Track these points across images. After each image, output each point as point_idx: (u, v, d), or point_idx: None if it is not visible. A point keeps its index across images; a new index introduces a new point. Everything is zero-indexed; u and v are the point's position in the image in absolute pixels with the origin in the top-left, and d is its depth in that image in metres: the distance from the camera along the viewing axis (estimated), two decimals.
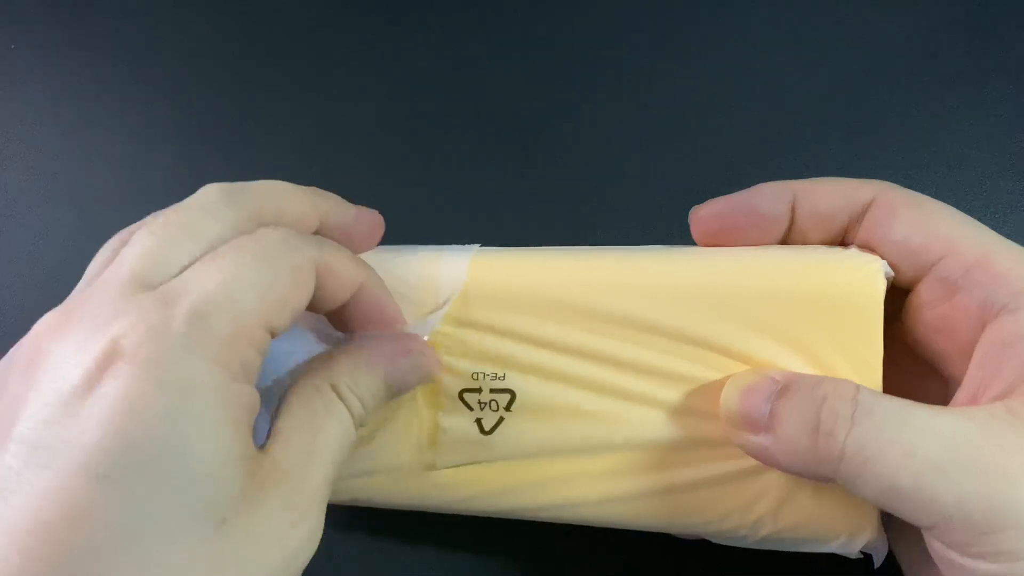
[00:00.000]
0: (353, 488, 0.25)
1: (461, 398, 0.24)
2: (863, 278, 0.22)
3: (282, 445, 0.20)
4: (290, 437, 0.20)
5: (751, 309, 0.22)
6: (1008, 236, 0.22)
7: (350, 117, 0.35)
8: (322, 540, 0.20)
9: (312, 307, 0.21)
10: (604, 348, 0.23)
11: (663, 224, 0.32)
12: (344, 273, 0.22)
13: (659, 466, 0.23)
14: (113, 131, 0.36)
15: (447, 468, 0.24)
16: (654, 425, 0.23)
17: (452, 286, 0.24)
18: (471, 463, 0.24)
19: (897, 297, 0.23)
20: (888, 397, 0.20)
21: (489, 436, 0.24)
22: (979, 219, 0.22)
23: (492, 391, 0.24)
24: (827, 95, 0.33)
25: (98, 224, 0.34)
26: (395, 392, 0.23)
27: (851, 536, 0.23)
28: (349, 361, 0.22)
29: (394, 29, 0.36)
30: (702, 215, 0.24)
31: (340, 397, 0.21)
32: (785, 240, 0.24)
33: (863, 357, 0.22)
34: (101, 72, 0.37)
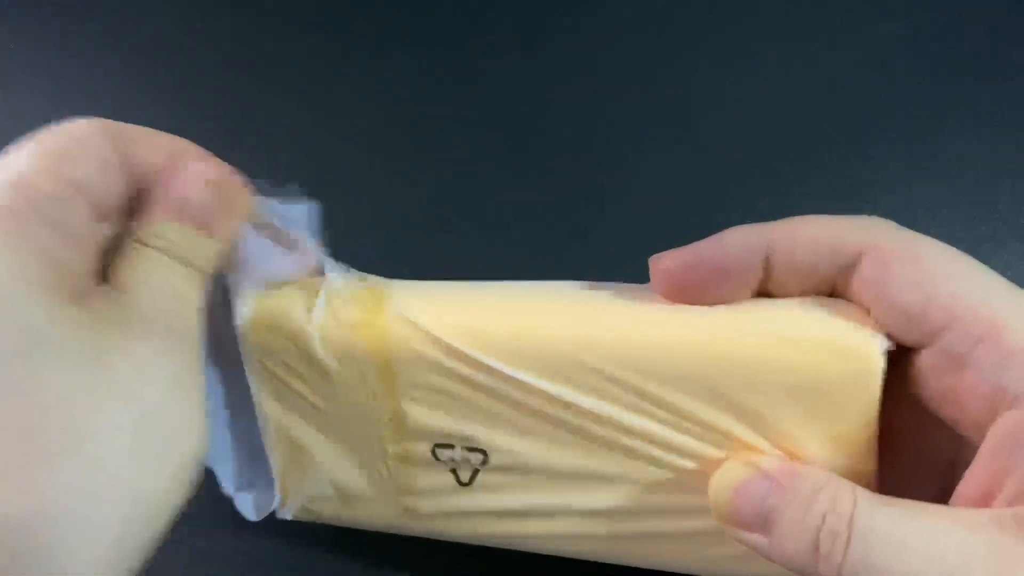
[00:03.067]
0: (326, 511, 0.25)
1: (433, 453, 0.24)
2: (860, 364, 0.20)
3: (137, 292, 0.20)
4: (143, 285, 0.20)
5: (735, 381, 0.21)
6: (1009, 238, 0.21)
7: (351, 117, 0.35)
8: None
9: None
10: (577, 401, 0.22)
11: (662, 225, 0.32)
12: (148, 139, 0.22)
13: (639, 517, 0.23)
14: None
15: (428, 513, 0.24)
16: (631, 484, 0.22)
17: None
18: (450, 511, 0.24)
19: (900, 355, 0.21)
20: (886, 507, 0.19)
21: (468, 487, 0.24)
22: (980, 220, 0.22)
23: (465, 449, 0.23)
24: (827, 95, 0.33)
25: None
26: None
27: None
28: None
29: (395, 29, 0.36)
30: (665, 267, 0.22)
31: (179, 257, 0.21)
32: (762, 292, 0.22)
33: (856, 441, 0.20)
34: (101, 72, 0.37)
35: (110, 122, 0.22)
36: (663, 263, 0.22)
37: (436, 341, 0.22)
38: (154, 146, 0.22)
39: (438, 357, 0.22)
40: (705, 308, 0.21)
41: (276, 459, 0.25)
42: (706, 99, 0.34)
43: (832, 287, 0.21)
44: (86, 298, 0.19)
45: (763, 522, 0.20)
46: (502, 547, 0.25)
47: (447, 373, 0.22)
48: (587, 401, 0.21)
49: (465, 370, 0.22)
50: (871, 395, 0.20)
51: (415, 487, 0.24)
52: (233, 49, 0.36)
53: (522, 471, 0.23)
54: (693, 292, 0.22)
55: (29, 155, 0.21)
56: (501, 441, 0.23)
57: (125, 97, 0.36)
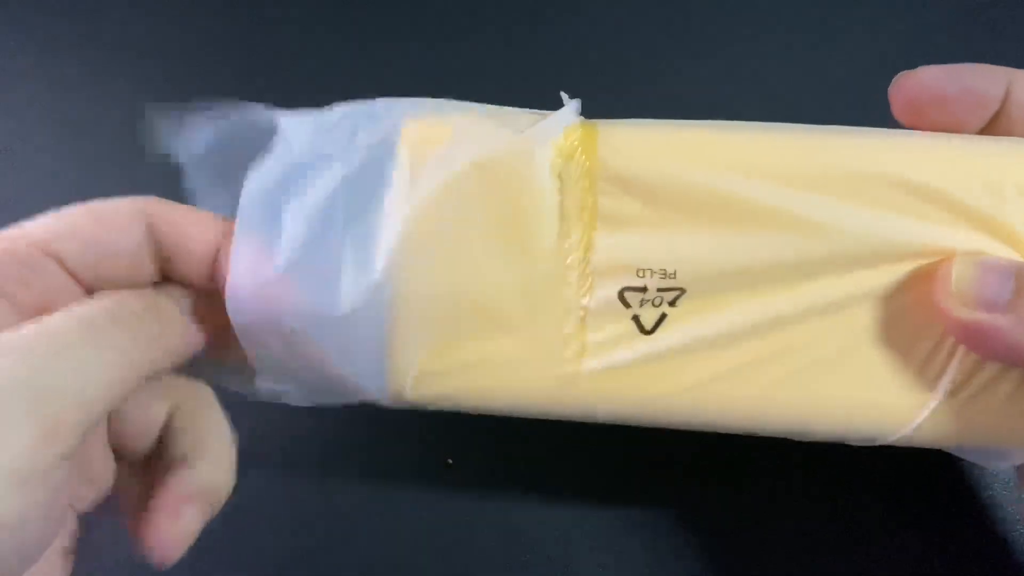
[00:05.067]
0: (463, 385, 0.22)
1: (621, 298, 0.21)
2: None
3: None
4: None
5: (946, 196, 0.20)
6: None
7: None
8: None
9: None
10: (787, 223, 0.21)
11: None
12: None
13: (836, 355, 0.21)
14: (113, 131, 0.36)
15: (595, 373, 0.22)
16: (835, 308, 0.21)
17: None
18: (624, 367, 0.22)
19: None
20: None
21: (650, 335, 0.22)
22: None
23: (659, 290, 0.21)
24: (827, 95, 0.33)
25: None
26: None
27: None
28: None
29: (395, 29, 0.36)
30: (911, 82, 0.22)
31: None
32: (991, 126, 0.22)
33: None
34: (101, 72, 0.37)
35: (152, 204, 0.21)
36: (909, 78, 0.22)
37: (653, 160, 0.21)
38: (192, 236, 0.21)
39: (655, 176, 0.21)
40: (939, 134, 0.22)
41: (401, 317, 0.21)
42: (705, 99, 0.34)
43: None
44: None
45: (1011, 299, 0.19)
46: (674, 425, 0.22)
47: (659, 195, 0.21)
48: (822, 209, 0.21)
49: (682, 190, 0.21)
50: None
51: (586, 342, 0.22)
52: (233, 49, 0.37)
53: (720, 303, 0.21)
54: (932, 109, 0.22)
55: (58, 225, 0.20)
56: (702, 273, 0.21)
57: (125, 97, 0.36)
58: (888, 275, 0.21)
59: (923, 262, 0.21)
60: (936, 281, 0.20)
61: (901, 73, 0.23)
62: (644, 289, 0.21)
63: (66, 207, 0.21)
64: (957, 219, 0.21)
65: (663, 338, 0.22)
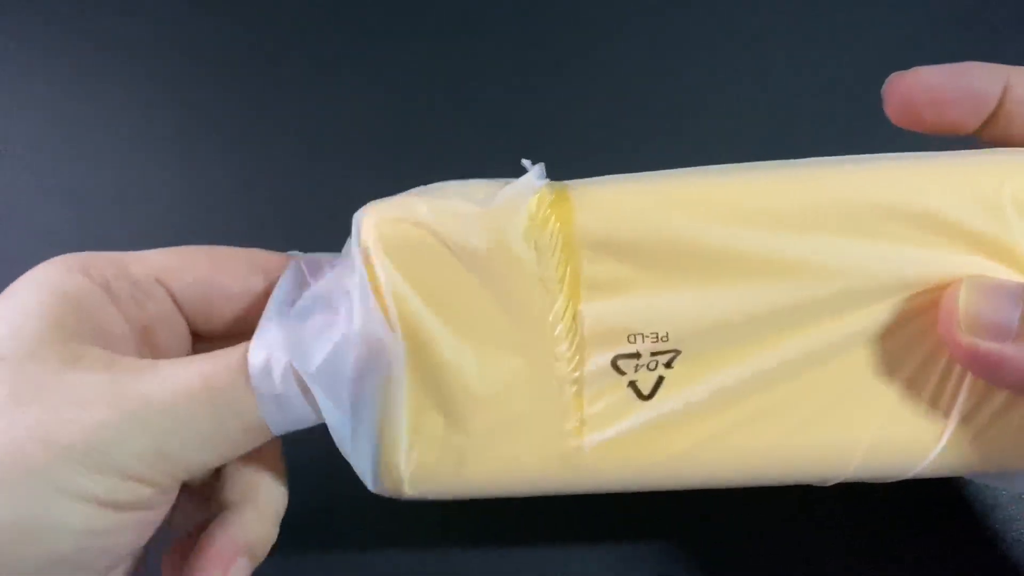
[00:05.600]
0: (477, 478, 0.21)
1: (615, 366, 0.21)
2: None
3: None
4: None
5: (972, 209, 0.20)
6: None
7: (351, 116, 0.35)
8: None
9: None
10: (775, 268, 0.20)
11: None
12: None
13: (845, 397, 0.21)
14: (113, 131, 0.36)
15: (598, 446, 0.21)
16: (838, 350, 0.20)
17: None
18: (627, 436, 0.21)
19: None
20: None
21: (649, 400, 0.21)
22: None
23: (653, 353, 0.21)
24: (827, 95, 0.33)
25: (98, 224, 0.34)
26: None
27: None
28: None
29: (395, 28, 0.36)
30: (907, 83, 0.21)
31: None
32: (988, 125, 0.22)
33: None
34: (101, 72, 0.37)
35: (272, 259, 0.23)
36: (905, 78, 0.22)
37: (631, 218, 0.20)
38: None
39: (635, 235, 0.20)
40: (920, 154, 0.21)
41: (392, 414, 0.21)
42: (704, 99, 0.34)
43: None
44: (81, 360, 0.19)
45: (1019, 327, 0.18)
46: (689, 486, 0.22)
47: (641, 254, 0.20)
48: (817, 247, 0.20)
49: (665, 247, 0.20)
50: None
51: (585, 415, 0.21)
52: (234, 48, 0.37)
53: (717, 360, 0.21)
54: (928, 110, 0.21)
55: (173, 258, 0.22)
56: (695, 331, 0.20)
57: (125, 97, 0.36)
58: (889, 308, 0.20)
59: (923, 289, 0.20)
60: (942, 309, 0.20)
61: (895, 73, 0.22)
62: (637, 355, 0.21)
63: (185, 245, 0.23)
64: (954, 243, 0.20)
65: (664, 402, 0.21)
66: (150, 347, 0.22)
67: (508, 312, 0.21)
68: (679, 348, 0.21)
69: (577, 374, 0.21)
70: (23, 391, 0.18)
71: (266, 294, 0.22)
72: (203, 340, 0.23)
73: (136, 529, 0.20)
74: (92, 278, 0.20)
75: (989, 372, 0.19)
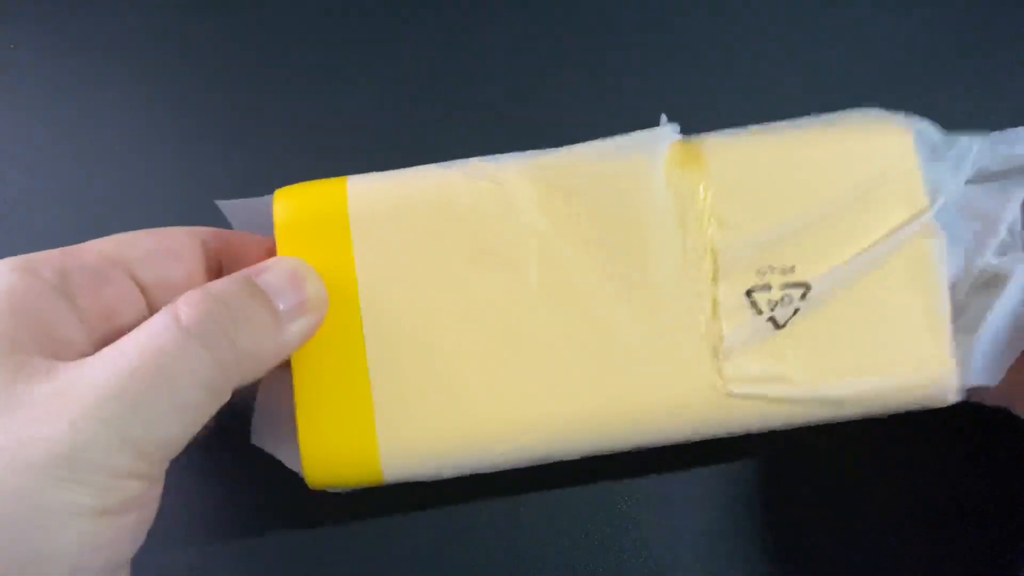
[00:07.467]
0: (613, 420, 0.22)
1: (749, 296, 0.22)
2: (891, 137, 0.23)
3: None
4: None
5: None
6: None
7: (351, 115, 0.35)
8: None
9: None
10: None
11: None
12: None
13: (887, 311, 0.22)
14: (113, 131, 0.36)
15: (739, 380, 0.22)
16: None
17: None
18: (766, 372, 0.22)
19: None
20: None
21: (783, 329, 0.22)
22: None
23: (785, 286, 0.22)
24: (826, 95, 0.33)
25: (98, 224, 0.34)
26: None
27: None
28: None
29: (395, 27, 0.36)
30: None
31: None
32: None
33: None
34: (101, 72, 0.37)
35: (204, 229, 0.25)
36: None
37: (761, 167, 0.23)
38: (246, 242, 0.25)
39: (760, 183, 0.22)
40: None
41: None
42: (703, 99, 0.34)
43: None
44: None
45: None
46: (814, 419, 0.22)
47: (769, 198, 0.22)
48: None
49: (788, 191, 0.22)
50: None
51: (724, 345, 0.22)
52: (233, 48, 0.37)
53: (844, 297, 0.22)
54: None
55: (122, 238, 0.24)
56: (820, 266, 0.22)
57: (125, 97, 0.36)
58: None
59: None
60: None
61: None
62: (768, 287, 0.22)
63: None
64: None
65: (796, 337, 0.22)
66: (116, 331, 0.21)
67: (640, 249, 0.22)
68: (809, 282, 0.22)
69: (714, 301, 0.22)
70: None
71: (206, 250, 0.24)
72: None
73: (132, 532, 0.19)
74: (40, 276, 0.20)
75: None
